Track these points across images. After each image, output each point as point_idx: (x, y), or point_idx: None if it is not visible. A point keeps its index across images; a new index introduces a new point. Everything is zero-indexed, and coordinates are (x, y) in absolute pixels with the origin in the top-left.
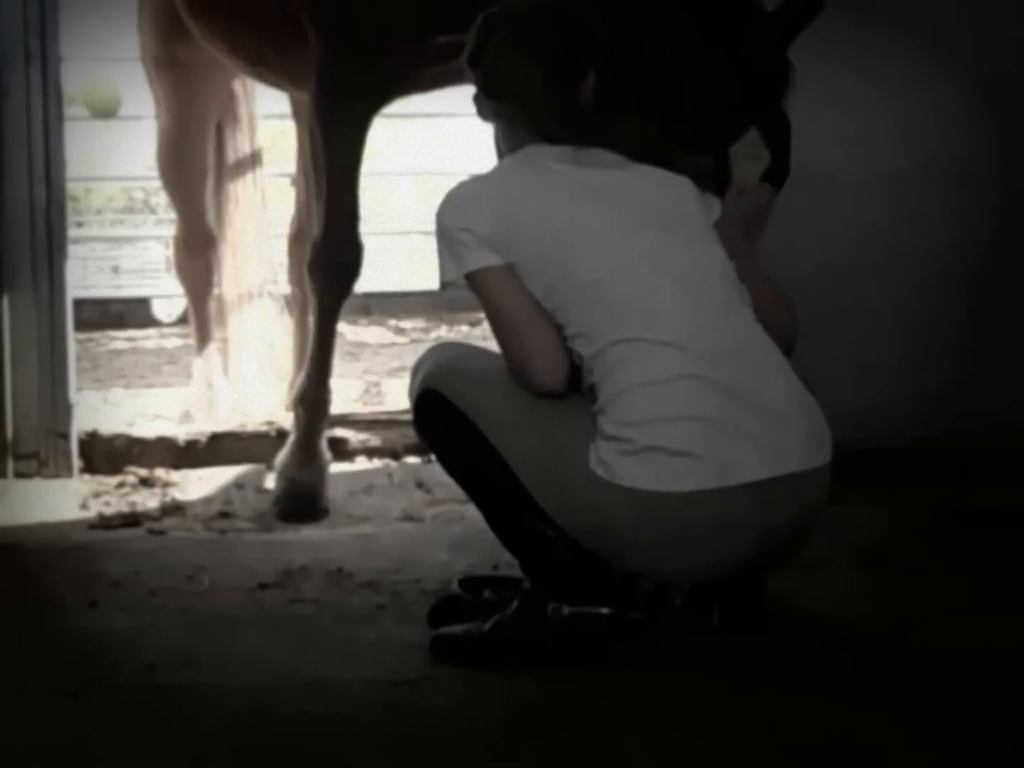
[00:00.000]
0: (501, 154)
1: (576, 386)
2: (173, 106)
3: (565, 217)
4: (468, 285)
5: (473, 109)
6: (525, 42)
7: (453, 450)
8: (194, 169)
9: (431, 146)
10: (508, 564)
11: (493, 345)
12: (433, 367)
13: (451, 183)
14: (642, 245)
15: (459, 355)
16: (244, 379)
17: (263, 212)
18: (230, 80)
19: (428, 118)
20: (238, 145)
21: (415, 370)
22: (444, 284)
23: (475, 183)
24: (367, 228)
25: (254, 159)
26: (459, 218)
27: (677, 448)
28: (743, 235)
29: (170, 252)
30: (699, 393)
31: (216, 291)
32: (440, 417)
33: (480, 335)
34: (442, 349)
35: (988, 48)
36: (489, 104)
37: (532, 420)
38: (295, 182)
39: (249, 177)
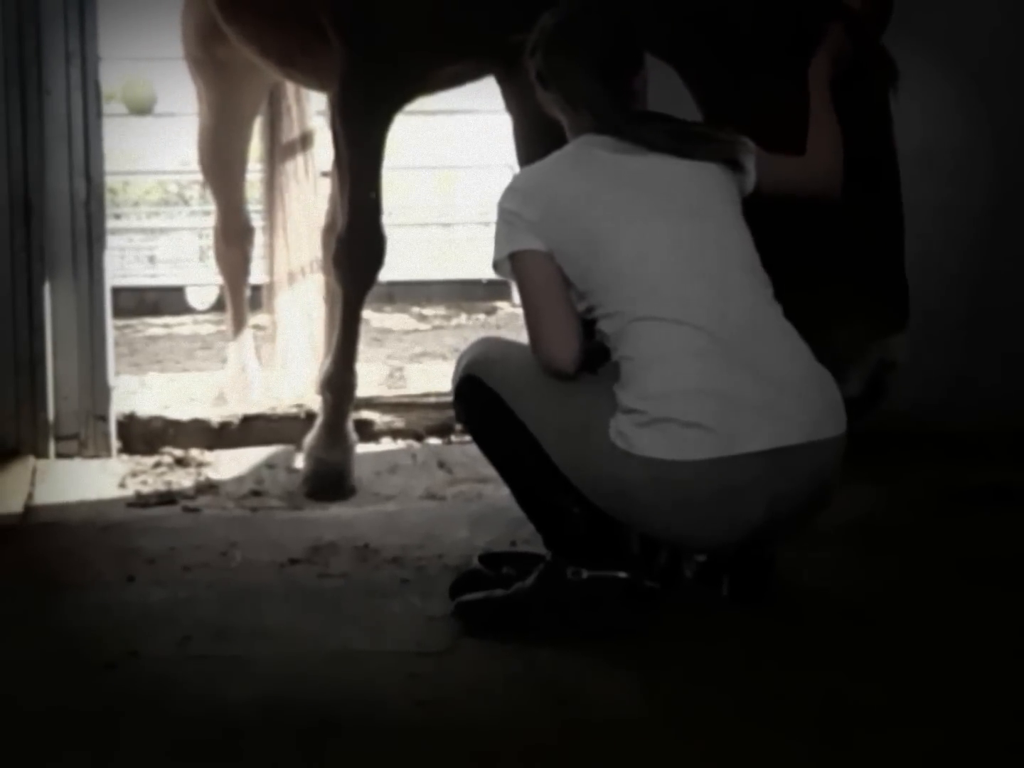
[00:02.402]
0: (520, 150)
1: (593, 369)
2: (213, 103)
3: (600, 202)
4: (511, 265)
5: (490, 106)
6: (571, 39)
7: (489, 430)
8: (232, 162)
9: (451, 142)
10: (525, 540)
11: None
12: (474, 357)
13: (469, 177)
14: (667, 229)
15: (498, 347)
16: (292, 360)
17: (315, 199)
18: (267, 78)
19: (449, 115)
20: (288, 135)
21: (459, 360)
22: (495, 264)
23: (531, 171)
24: (392, 220)
25: (305, 147)
26: (511, 203)
27: (688, 419)
28: (825, 72)
29: (203, 242)
30: (711, 368)
31: (268, 278)
32: (478, 399)
33: (495, 323)
34: (483, 342)
35: (976, 40)
36: (543, 94)
37: (560, 399)
38: (330, 175)
39: (300, 166)
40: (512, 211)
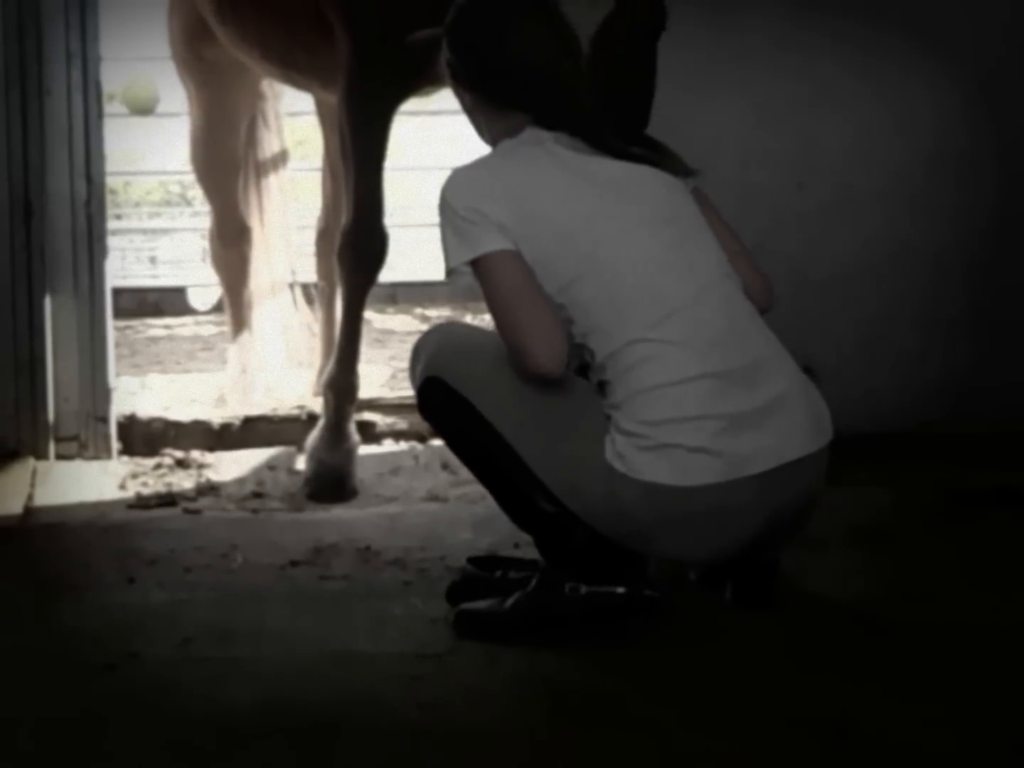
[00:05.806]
0: None
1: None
2: (203, 104)
3: (582, 208)
4: (474, 268)
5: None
6: (485, 27)
7: (460, 437)
8: (225, 163)
9: (455, 143)
10: (529, 542)
11: None
12: (435, 352)
13: None
14: (658, 242)
15: (461, 338)
16: (269, 365)
17: (287, 206)
18: (257, 78)
19: (452, 115)
20: (266, 143)
21: (416, 351)
22: (449, 271)
23: (481, 165)
24: (395, 221)
25: (280, 156)
26: (469, 200)
27: (694, 445)
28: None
29: (205, 243)
30: (714, 392)
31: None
32: (445, 404)
33: None
34: (443, 331)
35: (985, 43)
36: (459, 90)
37: (540, 410)
38: (322, 178)
39: (275, 173)
40: (472, 208)
